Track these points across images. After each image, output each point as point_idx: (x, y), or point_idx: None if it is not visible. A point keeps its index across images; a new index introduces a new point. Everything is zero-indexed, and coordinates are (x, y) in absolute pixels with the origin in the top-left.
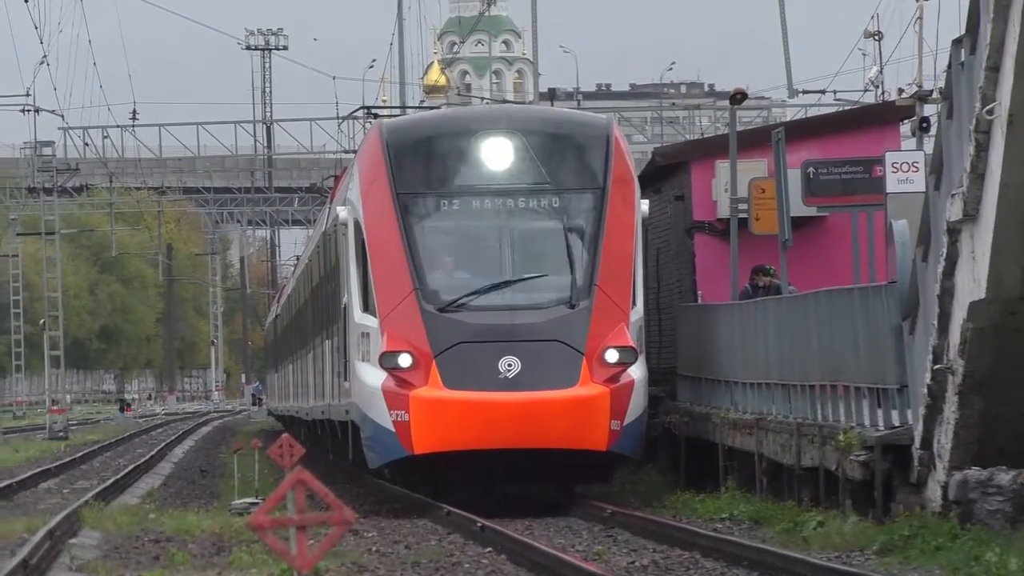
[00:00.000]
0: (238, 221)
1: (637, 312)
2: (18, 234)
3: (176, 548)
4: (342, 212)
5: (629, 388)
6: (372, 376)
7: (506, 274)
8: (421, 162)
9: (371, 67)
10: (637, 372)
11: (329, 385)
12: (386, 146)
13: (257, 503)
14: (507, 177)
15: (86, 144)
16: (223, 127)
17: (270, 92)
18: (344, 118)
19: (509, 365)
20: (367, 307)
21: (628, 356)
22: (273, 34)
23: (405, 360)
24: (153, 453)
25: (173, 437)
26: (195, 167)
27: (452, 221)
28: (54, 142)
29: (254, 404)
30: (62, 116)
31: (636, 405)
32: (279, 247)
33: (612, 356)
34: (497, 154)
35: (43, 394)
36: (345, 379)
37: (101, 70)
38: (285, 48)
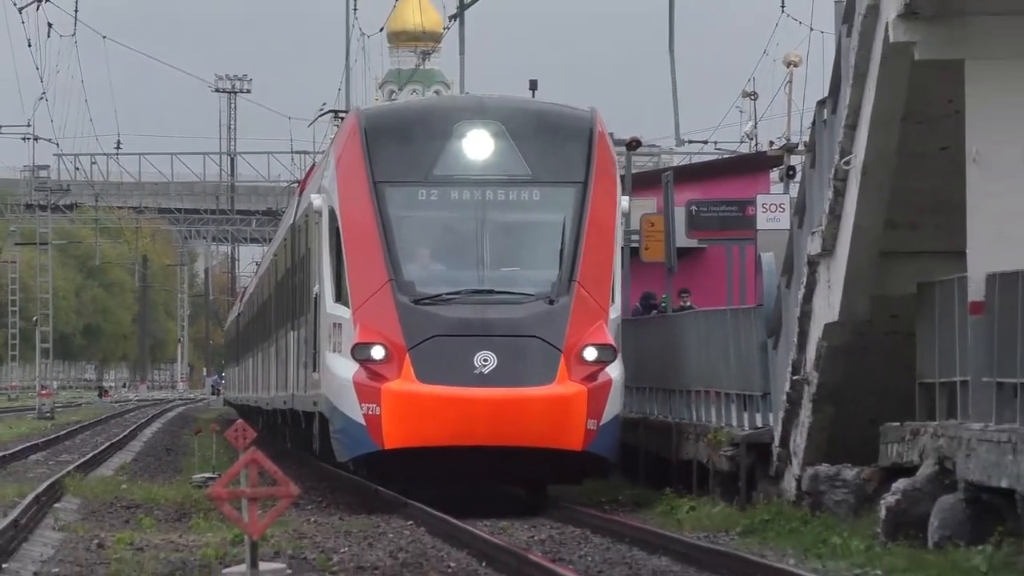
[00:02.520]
0: (204, 238)
1: (616, 309)
2: (16, 244)
3: (144, 514)
4: (316, 200)
5: (607, 387)
6: (343, 368)
7: (484, 267)
8: (399, 150)
9: (321, 109)
10: (615, 371)
11: (294, 376)
12: (364, 133)
13: (214, 477)
14: (487, 167)
15: (76, 168)
16: (193, 157)
17: (234, 128)
18: (313, 121)
19: (485, 360)
20: (340, 297)
21: (607, 354)
22: (238, 79)
23: (378, 352)
24: (126, 433)
25: (143, 420)
26: (169, 191)
27: (430, 211)
28: (49, 166)
29: (213, 394)
30: (57, 144)
31: (613, 405)
32: (238, 261)
33: (590, 354)
34: (478, 144)
35: (34, 380)
36: (314, 370)
37: (91, 106)
38: (248, 91)
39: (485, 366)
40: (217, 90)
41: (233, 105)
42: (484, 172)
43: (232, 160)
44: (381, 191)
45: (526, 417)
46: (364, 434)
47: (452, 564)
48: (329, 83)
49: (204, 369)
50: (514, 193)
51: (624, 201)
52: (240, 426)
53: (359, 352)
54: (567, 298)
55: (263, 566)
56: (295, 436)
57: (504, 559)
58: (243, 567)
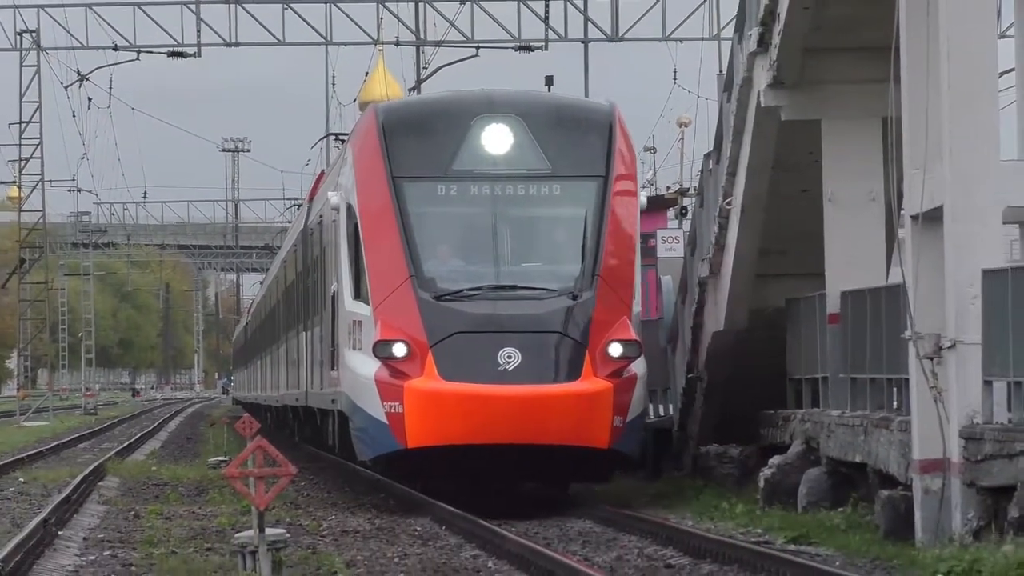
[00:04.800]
0: (214, 269)
1: (638, 304)
2: (64, 275)
3: (170, 490)
4: (334, 197)
5: (632, 383)
6: (364, 365)
7: (506, 262)
8: (418, 145)
9: (307, 165)
10: (640, 367)
11: (307, 374)
12: (382, 128)
13: (226, 460)
14: (507, 162)
15: (112, 214)
16: (205, 204)
17: (238, 180)
18: (315, 144)
19: (509, 357)
20: (359, 294)
21: (632, 350)
22: (240, 141)
23: (400, 349)
24: (154, 425)
25: (168, 415)
26: (186, 231)
27: (450, 207)
28: (90, 212)
29: (223, 393)
30: (96, 194)
31: (638, 401)
32: (242, 287)
33: (616, 350)
34: (497, 138)
35: (80, 384)
36: (332, 368)
37: (123, 163)
38: (248, 151)
39: (509, 363)
40: (223, 150)
41: (236, 162)
42: (504, 166)
43: (236, 206)
44: (400, 186)
45: (551, 415)
46: (387, 433)
47: (418, 528)
48: (313, 143)
49: (216, 373)
50: (534, 187)
51: (642, 196)
52: (247, 419)
53: (380, 349)
54: (590, 293)
55: (268, 531)
56: (308, 432)
57: (460, 524)
58: (251, 532)
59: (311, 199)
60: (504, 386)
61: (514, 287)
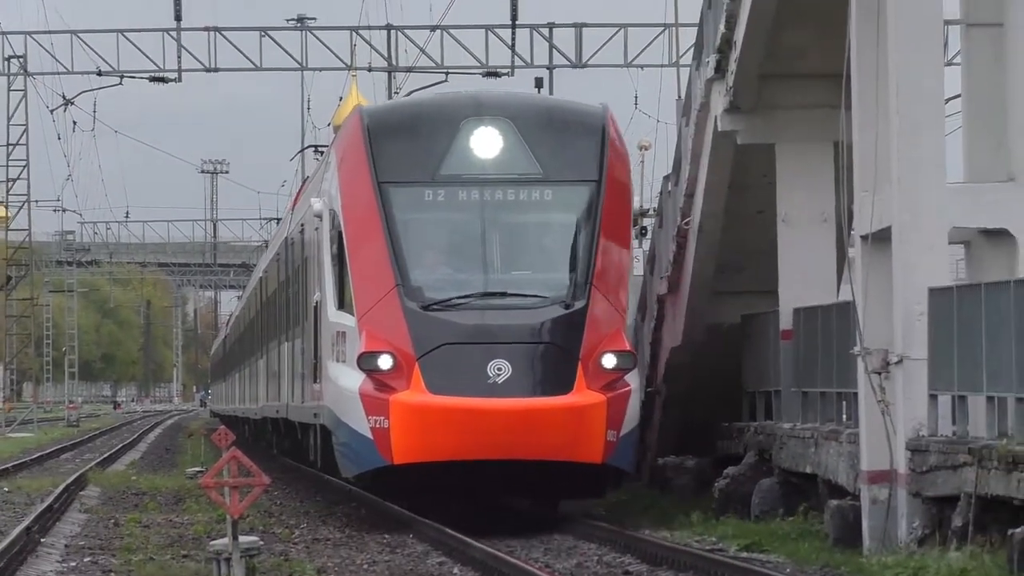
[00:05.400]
0: (193, 286)
1: (631, 314)
2: (49, 291)
3: (149, 499)
4: (317, 203)
5: (626, 397)
6: (348, 378)
7: (495, 270)
8: (405, 149)
9: (283, 186)
10: (634, 379)
11: (287, 387)
12: (367, 132)
13: (203, 470)
14: (497, 166)
15: (95, 233)
16: (185, 223)
17: (216, 200)
18: (294, 157)
19: (499, 369)
20: (343, 304)
21: (626, 361)
22: (219, 163)
23: (385, 362)
24: (134, 437)
25: (148, 427)
26: (166, 249)
27: (438, 213)
28: (74, 231)
29: (201, 405)
30: (80, 214)
31: (632, 415)
32: (220, 303)
33: (609, 361)
34: (486, 142)
35: (63, 396)
36: (315, 381)
37: (106, 184)
38: (227, 172)
39: (499, 375)
40: (203, 171)
41: (215, 183)
42: (493, 171)
43: (215, 225)
44: (386, 192)
45: (543, 429)
46: (371, 448)
47: (387, 536)
48: (289, 165)
49: (194, 387)
50: (525, 193)
51: (635, 201)
52: (223, 431)
53: (365, 362)
54: (583, 302)
55: (241, 539)
56: (288, 445)
57: (424, 530)
58: (226, 540)
59: (293, 208)
60: (494, 399)
61: (504, 296)
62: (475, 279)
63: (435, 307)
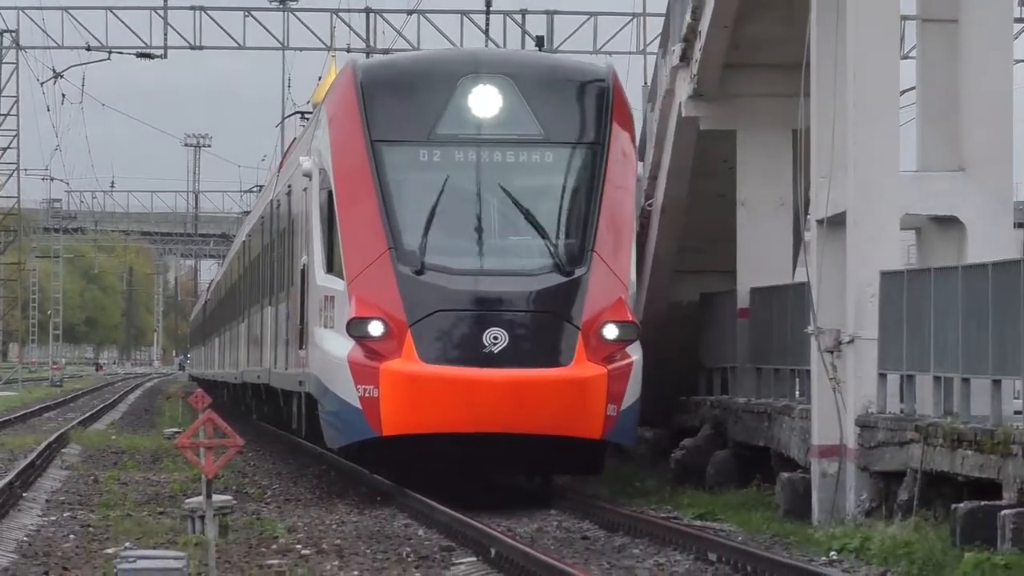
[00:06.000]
0: (174, 254)
1: (633, 284)
2: (36, 257)
3: (128, 458)
4: (306, 162)
5: (628, 369)
6: (337, 345)
7: (493, 235)
8: (399, 107)
9: (262, 160)
10: (636, 352)
11: (270, 352)
12: (360, 88)
13: (180, 431)
14: (496, 126)
15: (81, 202)
16: (168, 194)
17: (198, 173)
18: (279, 124)
19: (495, 338)
20: (332, 268)
21: (629, 332)
22: (202, 137)
23: (376, 328)
24: (115, 398)
25: (128, 389)
26: (149, 219)
27: (433, 173)
28: (61, 200)
29: (180, 369)
30: (67, 183)
31: (633, 388)
32: (199, 272)
33: (611, 332)
34: (485, 100)
35: (48, 358)
36: (300, 347)
37: (93, 155)
38: (209, 146)
39: (495, 345)
40: (186, 144)
41: (198, 156)
42: (492, 131)
43: (196, 196)
44: (379, 151)
45: (541, 402)
46: (360, 418)
47: (356, 497)
48: (270, 140)
49: (173, 351)
50: (525, 154)
51: (638, 167)
52: (199, 394)
53: (355, 328)
54: (584, 270)
55: (215, 497)
56: (268, 411)
57: (392, 493)
58: (200, 498)
59: (279, 171)
60: (489, 370)
61: (502, 261)
62: (471, 244)
63: (429, 272)
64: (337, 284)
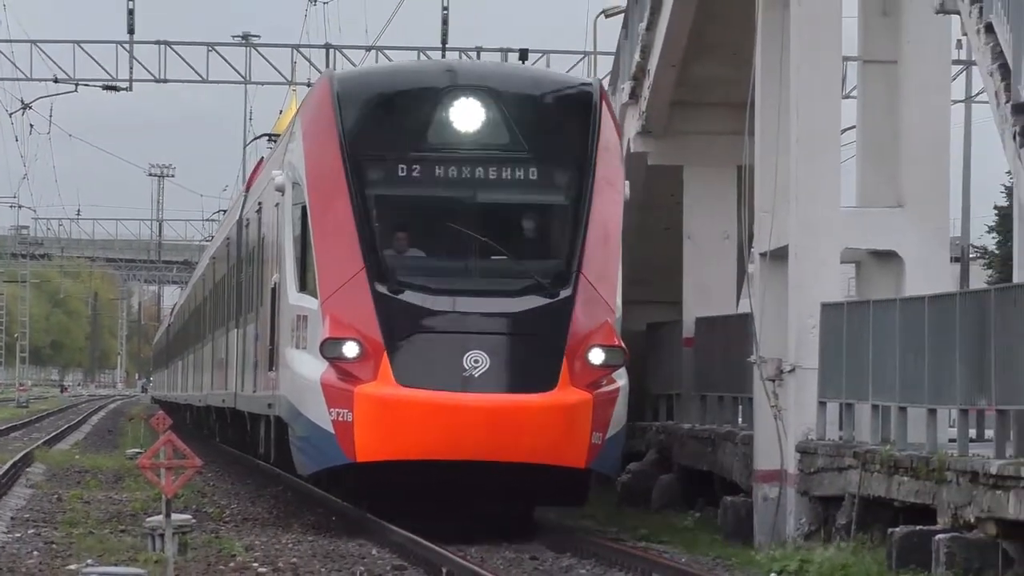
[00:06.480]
0: (138, 280)
1: (619, 307)
2: (4, 282)
3: (91, 477)
4: (279, 176)
5: (614, 396)
6: (309, 366)
7: (474, 253)
8: (377, 119)
9: (224, 190)
10: (622, 377)
11: (236, 375)
12: (336, 99)
13: (142, 452)
14: (478, 141)
15: (48, 229)
16: (132, 222)
17: (162, 202)
18: (248, 144)
19: (476, 361)
20: (305, 286)
21: (615, 357)
22: (166, 167)
23: (351, 349)
24: (79, 419)
25: (92, 410)
26: (114, 246)
27: (412, 189)
28: (28, 226)
29: (142, 391)
30: (34, 210)
31: (619, 415)
32: (162, 297)
33: (597, 356)
34: (467, 114)
35: (14, 380)
36: (270, 368)
37: (60, 184)
38: (173, 176)
39: (476, 368)
40: (150, 174)
41: (161, 186)
42: (474, 146)
43: (160, 225)
44: (356, 166)
45: (523, 428)
46: (332, 444)
47: (312, 517)
48: (231, 170)
49: (136, 374)
50: (508, 171)
51: (625, 187)
52: (161, 416)
53: (329, 349)
54: (569, 291)
55: (175, 516)
56: (231, 435)
57: (349, 515)
58: (161, 517)
59: (248, 189)
60: (469, 395)
61: (483, 281)
62: (451, 263)
63: (407, 291)
64: (310, 303)
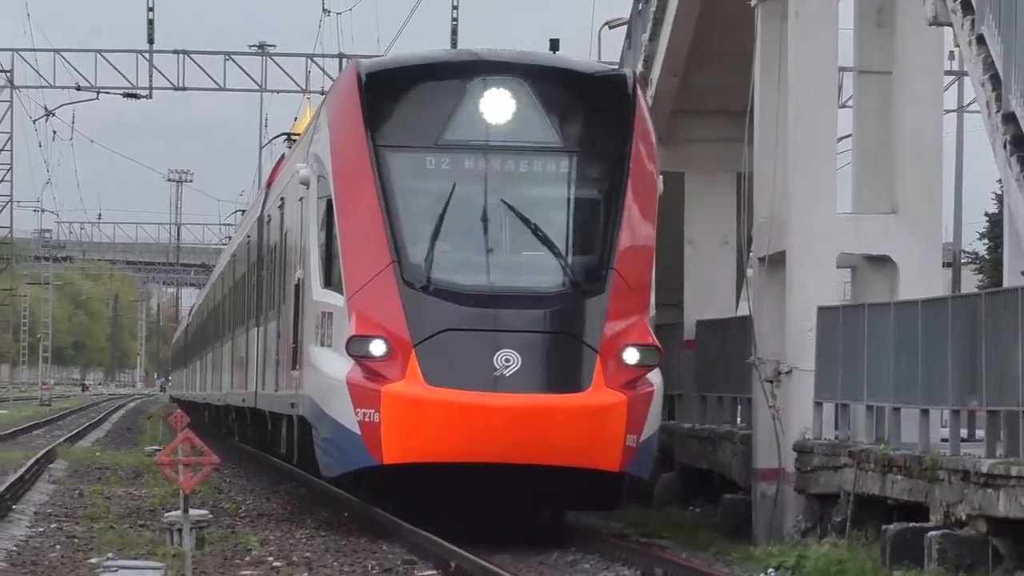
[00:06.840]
0: (157, 283)
1: (654, 305)
2: (28, 284)
3: (111, 473)
4: (303, 169)
5: (649, 397)
6: (334, 365)
7: (505, 249)
8: (405, 110)
9: (241, 195)
10: (657, 378)
11: (257, 373)
12: (363, 90)
13: (160, 449)
14: (509, 133)
15: (70, 232)
16: (151, 226)
17: (180, 207)
18: (266, 144)
19: (507, 360)
20: (330, 282)
21: (650, 357)
22: (184, 172)
23: (378, 347)
24: (100, 416)
25: (112, 408)
26: (134, 249)
27: (441, 182)
28: (51, 230)
29: (161, 391)
30: (57, 215)
31: (654, 417)
32: (180, 299)
33: (631, 356)
34: (498, 105)
35: (37, 379)
36: (293, 367)
37: (82, 188)
38: (191, 181)
39: (506, 368)
40: (169, 179)
41: (180, 191)
42: (505, 138)
43: (179, 228)
44: (383, 158)
45: (555, 430)
46: (358, 445)
47: (325, 513)
48: (248, 175)
49: (155, 373)
50: (540, 163)
51: (659, 181)
52: (179, 414)
53: (355, 347)
54: (603, 289)
55: (192, 512)
56: (252, 434)
57: (361, 512)
58: (179, 512)
59: (268, 185)
60: (500, 395)
61: (514, 278)
62: (481, 258)
63: (436, 288)
64: (336, 299)
